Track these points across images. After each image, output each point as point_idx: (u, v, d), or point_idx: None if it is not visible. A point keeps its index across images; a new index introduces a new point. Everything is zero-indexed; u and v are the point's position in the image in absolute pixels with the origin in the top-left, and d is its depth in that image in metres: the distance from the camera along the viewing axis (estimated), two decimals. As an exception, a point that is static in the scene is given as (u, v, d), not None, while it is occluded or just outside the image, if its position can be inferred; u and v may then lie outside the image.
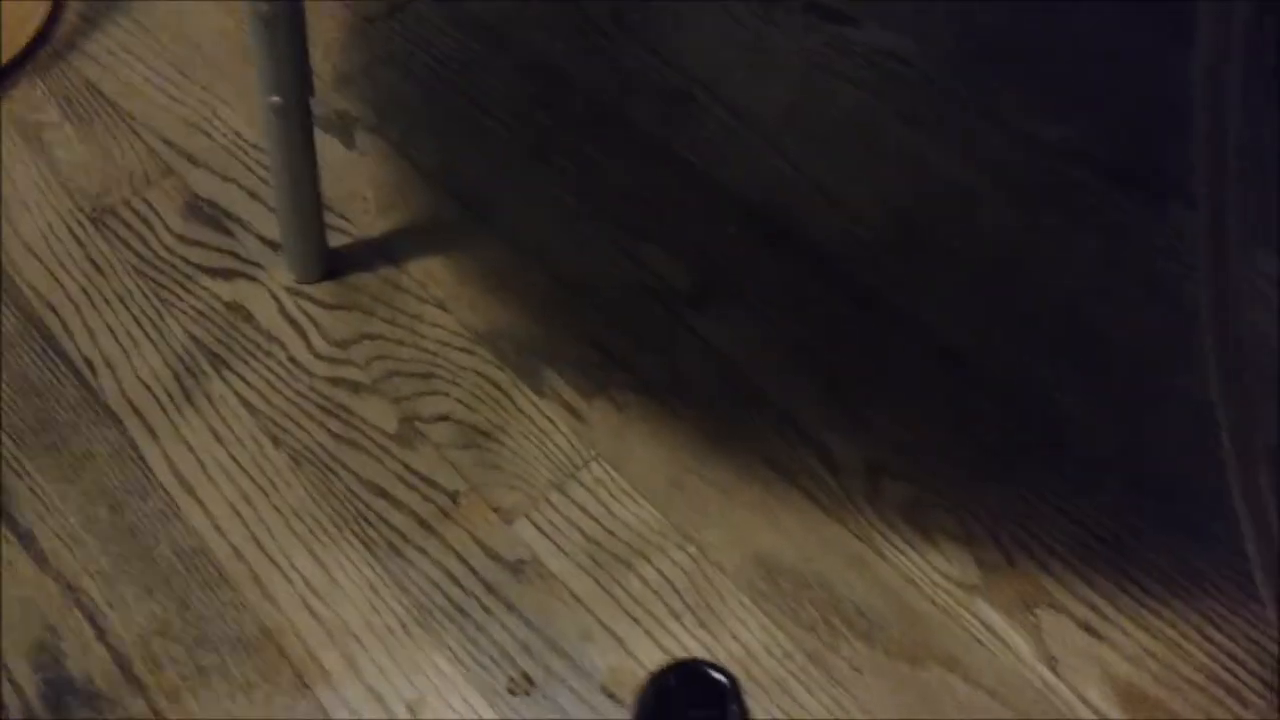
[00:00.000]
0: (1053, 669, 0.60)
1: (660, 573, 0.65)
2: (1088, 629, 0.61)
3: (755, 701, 0.60)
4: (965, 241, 0.76)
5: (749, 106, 0.83)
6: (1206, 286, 0.45)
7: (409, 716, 0.62)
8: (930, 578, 0.63)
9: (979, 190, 0.78)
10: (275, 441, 0.73)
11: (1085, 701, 0.58)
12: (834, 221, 0.78)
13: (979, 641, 0.61)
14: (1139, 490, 0.65)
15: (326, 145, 0.86)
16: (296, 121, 0.74)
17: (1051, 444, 0.68)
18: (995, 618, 0.62)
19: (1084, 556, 0.63)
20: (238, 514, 0.71)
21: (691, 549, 0.66)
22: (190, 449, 0.73)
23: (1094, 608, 0.61)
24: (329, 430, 0.73)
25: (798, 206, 0.79)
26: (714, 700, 0.33)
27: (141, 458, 0.72)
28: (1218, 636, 0.60)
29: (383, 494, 0.70)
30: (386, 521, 0.69)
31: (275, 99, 0.72)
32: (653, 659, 0.63)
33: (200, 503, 0.71)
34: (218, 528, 0.70)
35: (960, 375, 0.71)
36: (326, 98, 0.89)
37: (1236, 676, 0.59)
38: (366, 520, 0.69)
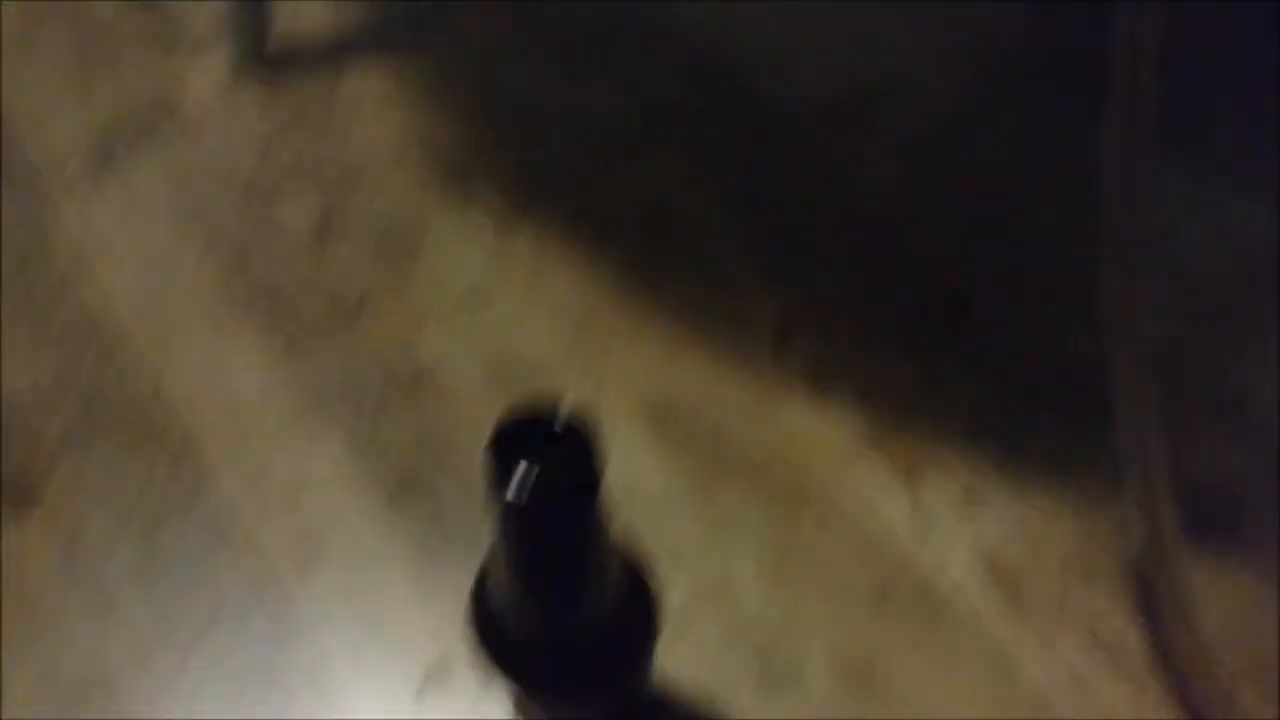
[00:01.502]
0: (925, 533, 0.61)
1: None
2: (966, 500, 0.62)
3: (631, 521, 0.61)
4: (906, 118, 0.75)
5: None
6: (1108, 175, 0.45)
7: (291, 497, 0.62)
8: (821, 433, 0.64)
9: (926, 70, 0.77)
10: (189, 222, 0.72)
11: (950, 565, 0.60)
12: (780, 83, 0.77)
13: (859, 498, 0.62)
14: (1037, 375, 0.66)
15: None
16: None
17: (959, 322, 0.68)
18: (878, 477, 0.63)
19: (973, 432, 0.64)
20: (142, 287, 0.70)
21: (592, 379, 0.66)
22: (101, 218, 0.72)
23: (975, 480, 0.63)
24: (245, 219, 0.72)
25: (747, 62, 0.78)
26: (569, 448, 0.34)
27: (51, 219, 0.71)
28: (1088, 518, 0.61)
29: (291, 287, 0.70)
30: (292, 313, 0.69)
31: None
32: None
33: (104, 271, 0.70)
34: (120, 297, 0.69)
35: (881, 245, 0.71)
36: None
37: (1096, 559, 0.60)
38: (271, 310, 0.69)
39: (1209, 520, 0.62)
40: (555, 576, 0.36)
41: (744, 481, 0.62)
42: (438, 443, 0.64)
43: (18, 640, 0.58)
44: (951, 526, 0.61)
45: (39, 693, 0.56)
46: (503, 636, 0.41)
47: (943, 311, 0.69)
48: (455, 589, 0.59)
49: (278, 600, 0.59)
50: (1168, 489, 0.54)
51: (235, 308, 0.69)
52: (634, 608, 0.41)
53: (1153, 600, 0.59)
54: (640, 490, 0.62)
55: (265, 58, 0.78)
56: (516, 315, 0.69)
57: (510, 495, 0.32)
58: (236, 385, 0.66)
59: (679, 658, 0.57)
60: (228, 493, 0.62)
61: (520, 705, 0.46)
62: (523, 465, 0.33)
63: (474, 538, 0.61)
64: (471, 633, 0.42)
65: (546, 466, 0.33)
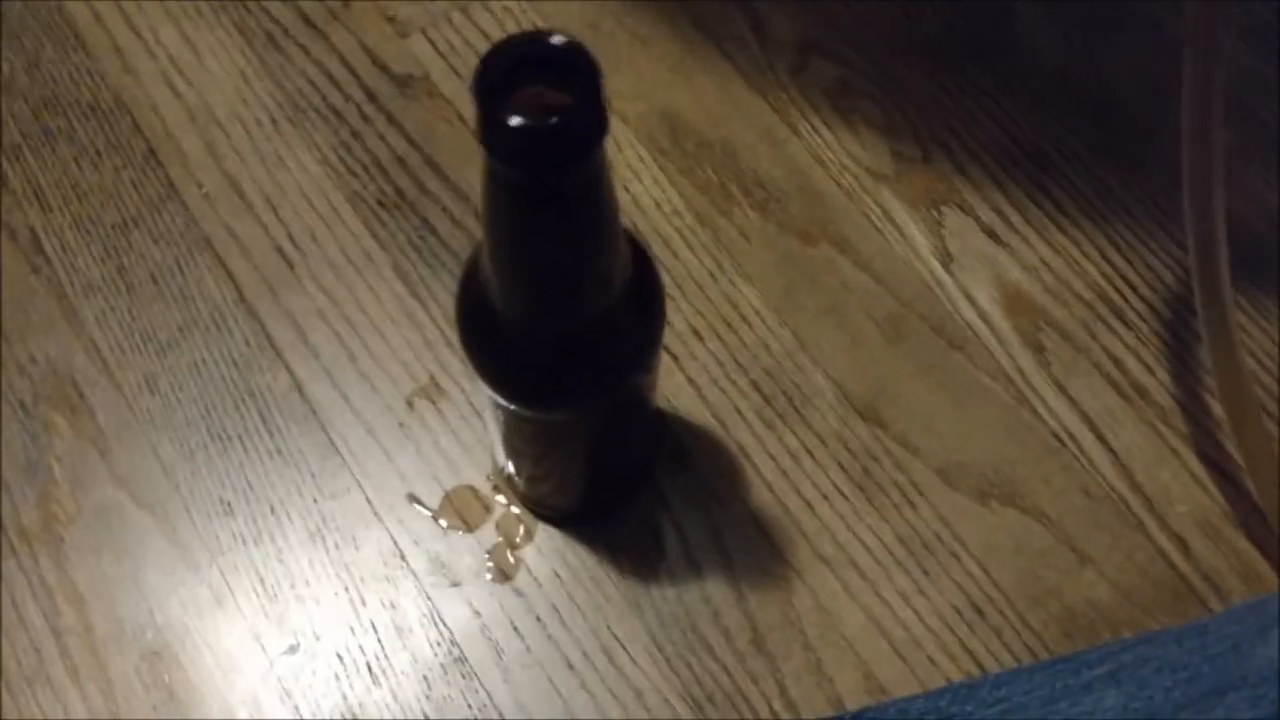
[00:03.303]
0: (945, 265, 0.57)
1: (558, 112, 0.61)
2: (990, 234, 0.58)
3: (634, 252, 0.57)
4: None
5: None
6: None
7: (266, 208, 0.58)
8: (840, 160, 0.60)
9: None
10: (155, -92, 0.65)
11: (970, 299, 0.56)
12: None
13: (876, 229, 0.58)
14: (1077, 108, 0.61)
15: None
16: None
17: (998, 47, 0.62)
18: (898, 209, 0.59)
19: (1004, 164, 0.60)
20: (103, -22, 0.63)
21: (596, 95, 0.61)
22: (57, -100, 0.65)
23: (1001, 214, 0.58)
24: (217, -92, 0.65)
25: None
26: (569, 78, 0.29)
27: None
28: (1117, 260, 0.58)
29: (269, -16, 0.64)
30: (269, 13, 0.63)
31: None
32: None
33: (62, -41, 0.64)
34: (79, -12, 0.63)
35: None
36: None
37: (1125, 299, 0.57)
38: (247, 8, 0.63)
39: (1250, 259, 0.58)
40: (559, 233, 0.32)
41: (756, 214, 0.58)
42: (424, 157, 0.59)
43: (-20, 347, 0.55)
44: (971, 264, 0.57)
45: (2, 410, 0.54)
46: (495, 333, 0.38)
47: (980, 33, 0.63)
48: (442, 311, 0.56)
49: (252, 318, 0.56)
50: (1224, 229, 0.50)
51: (207, 5, 0.63)
52: (639, 294, 0.38)
53: (1178, 347, 0.56)
54: (644, 212, 0.58)
55: None
56: (516, 18, 0.63)
57: (509, 119, 0.28)
58: (208, 92, 0.61)
59: (679, 386, 0.54)
60: (198, 207, 0.58)
61: (511, 428, 0.43)
62: (521, 90, 0.29)
63: (461, 260, 0.57)
64: (461, 331, 0.39)
65: (547, 90, 0.29)
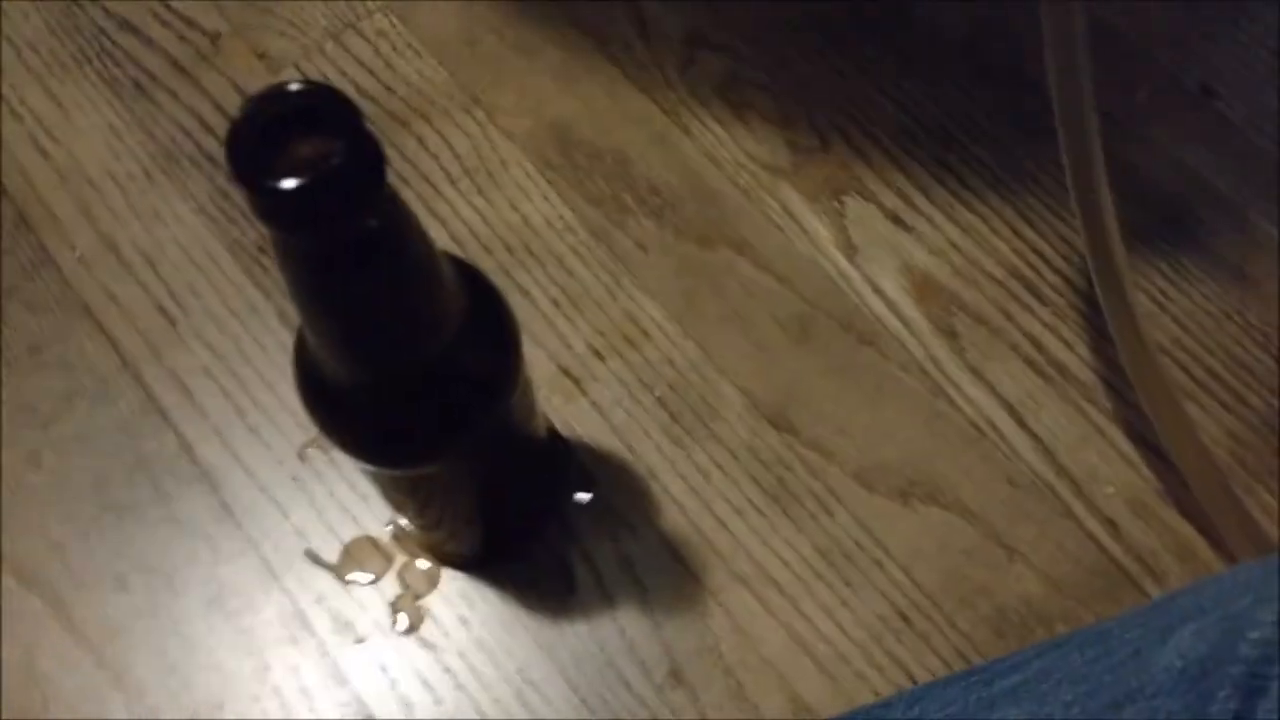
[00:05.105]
0: (849, 257, 0.55)
1: (440, 134, 0.58)
2: (895, 219, 0.56)
3: (528, 274, 0.55)
4: None
5: None
6: None
7: (145, 266, 0.56)
8: (735, 158, 0.57)
9: None
10: (12, -36, 0.63)
11: (877, 290, 0.54)
12: None
13: (776, 226, 0.56)
14: (979, 80, 0.59)
15: None
16: None
17: (894, 24, 0.60)
18: (798, 203, 0.56)
19: (905, 145, 0.57)
20: (-37, 41, 0.61)
21: (479, 113, 0.59)
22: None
23: (905, 197, 0.56)
24: (77, -44, 0.63)
25: None
26: (334, 127, 0.27)
27: None
28: (1028, 233, 0.55)
29: (133, 30, 0.61)
30: (135, 61, 0.60)
31: None
32: (428, 224, 0.58)
33: (-81, 26, 0.62)
34: (-62, 54, 0.61)
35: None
36: None
37: (1039, 273, 0.55)
38: (112, 58, 0.60)
39: (1167, 223, 0.56)
40: (363, 289, 0.29)
41: (651, 222, 0.56)
42: (305, 194, 0.57)
43: None
44: (877, 253, 0.55)
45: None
46: (332, 395, 0.35)
47: (875, 10, 0.61)
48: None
49: (136, 382, 0.53)
50: (1110, 197, 0.48)
51: (71, 58, 0.60)
52: (481, 327, 0.35)
53: (1097, 320, 0.54)
54: (536, 231, 0.56)
55: None
56: (388, 45, 0.60)
57: (271, 184, 0.26)
58: (78, 149, 0.58)
59: (582, 410, 0.52)
60: (73, 271, 0.56)
61: (384, 485, 0.41)
62: (288, 143, 0.27)
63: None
64: (302, 397, 0.37)
65: (311, 140, 0.27)
